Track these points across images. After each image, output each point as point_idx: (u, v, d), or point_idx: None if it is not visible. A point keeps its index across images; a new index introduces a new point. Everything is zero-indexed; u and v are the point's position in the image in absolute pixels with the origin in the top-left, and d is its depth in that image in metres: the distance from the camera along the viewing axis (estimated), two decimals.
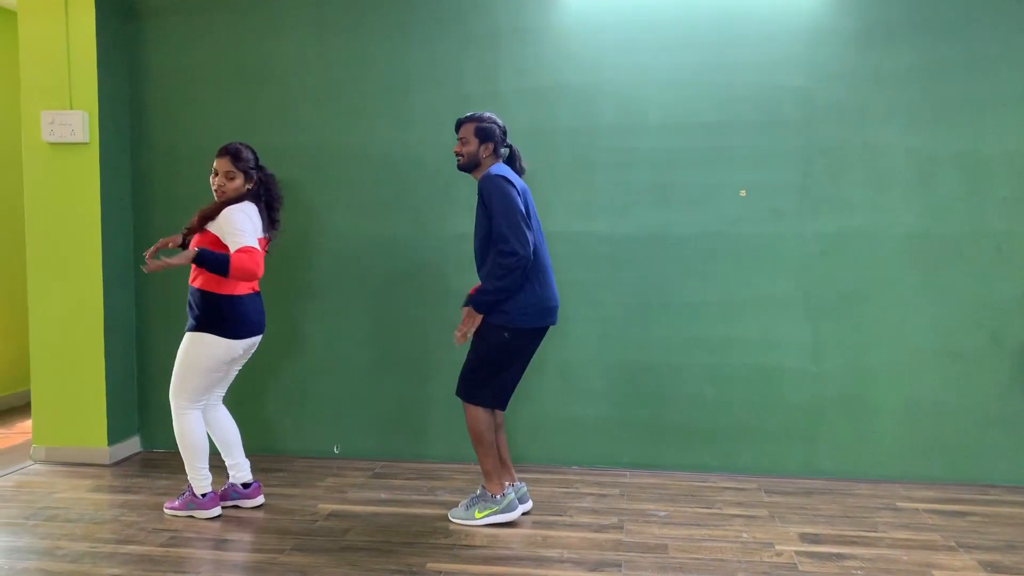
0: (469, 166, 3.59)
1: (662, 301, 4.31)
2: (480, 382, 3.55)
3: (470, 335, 3.54)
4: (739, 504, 3.84)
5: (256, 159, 3.66)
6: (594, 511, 3.77)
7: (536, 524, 3.61)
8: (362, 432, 4.58)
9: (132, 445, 4.69)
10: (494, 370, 3.56)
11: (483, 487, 3.62)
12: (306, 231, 4.52)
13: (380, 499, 3.92)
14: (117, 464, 4.49)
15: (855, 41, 4.11)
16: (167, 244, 3.73)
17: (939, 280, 4.12)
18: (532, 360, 4.41)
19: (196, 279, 3.58)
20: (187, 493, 3.70)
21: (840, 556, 3.26)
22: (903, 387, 4.17)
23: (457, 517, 3.61)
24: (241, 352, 3.65)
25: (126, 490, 4.06)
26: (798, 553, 3.29)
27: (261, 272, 3.44)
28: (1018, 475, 4.10)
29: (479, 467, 3.86)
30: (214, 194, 3.60)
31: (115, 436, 4.54)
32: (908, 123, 4.10)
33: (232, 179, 3.56)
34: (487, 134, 3.57)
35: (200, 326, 3.55)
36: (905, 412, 4.17)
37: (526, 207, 3.47)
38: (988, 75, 4.03)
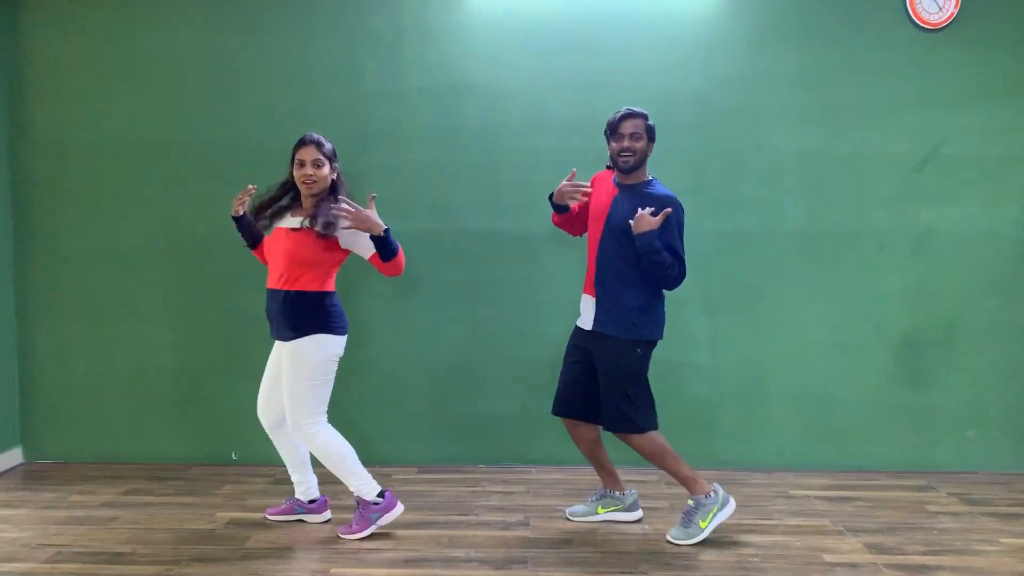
0: (638, 165, 3.36)
1: (566, 299, 4.35)
2: (638, 408, 3.37)
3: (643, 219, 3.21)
4: (641, 496, 3.91)
5: (334, 150, 3.43)
6: (501, 509, 3.78)
7: (442, 524, 3.59)
8: (261, 437, 4.44)
9: (13, 457, 4.43)
10: (641, 389, 3.41)
11: (692, 496, 3.42)
12: (200, 231, 4.37)
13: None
14: None
15: (748, 46, 4.26)
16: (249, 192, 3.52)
17: (827, 276, 4.31)
18: (440, 360, 4.41)
19: (296, 281, 3.31)
20: (362, 507, 3.43)
21: (737, 544, 3.37)
22: (795, 379, 4.34)
23: (681, 538, 3.36)
24: (343, 349, 3.44)
25: (6, 505, 3.84)
26: (697, 543, 3.38)
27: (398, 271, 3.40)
28: (900, 460, 4.34)
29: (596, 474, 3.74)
30: (302, 187, 3.35)
31: None
32: (797, 125, 4.27)
33: (321, 167, 3.33)
34: (653, 133, 3.39)
35: (308, 329, 3.32)
36: (796, 403, 4.35)
37: None
38: (871, 80, 4.24)
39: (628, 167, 3.36)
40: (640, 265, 3.30)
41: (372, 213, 3.25)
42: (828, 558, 3.24)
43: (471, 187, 4.33)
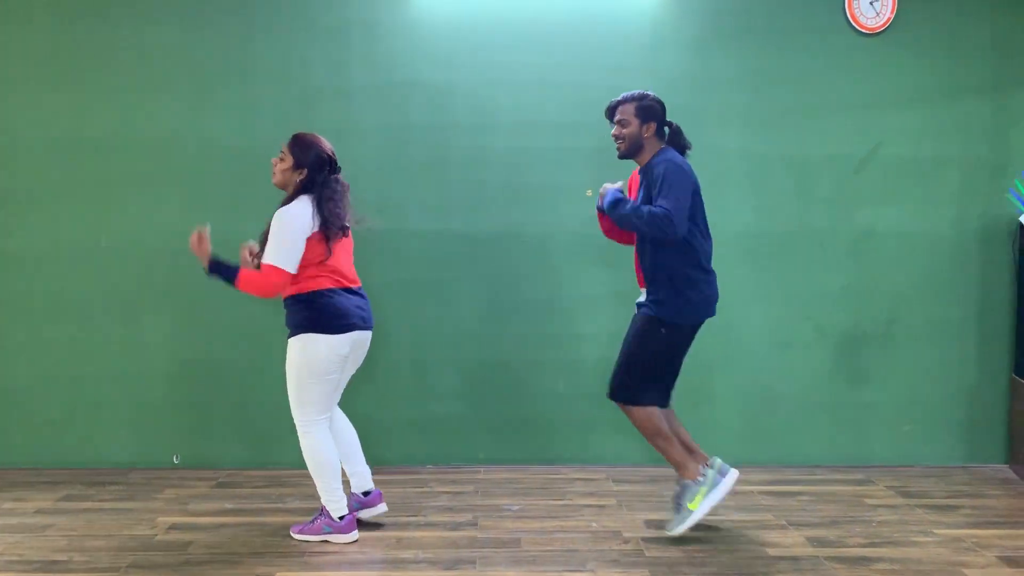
0: (632, 151, 3.35)
1: (516, 298, 4.37)
2: (642, 383, 3.37)
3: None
4: (589, 494, 3.94)
5: (322, 160, 3.31)
6: (449, 509, 3.77)
7: (390, 526, 3.56)
8: (204, 440, 4.36)
9: None
10: (655, 369, 3.39)
11: (680, 479, 3.41)
12: (140, 230, 4.26)
13: (225, 509, 3.76)
14: None
15: (692, 48, 4.31)
16: (247, 252, 3.44)
17: (770, 275, 4.39)
18: (385, 361, 4.37)
19: (288, 290, 3.31)
20: (321, 517, 3.39)
21: (683, 540, 3.41)
22: (739, 377, 4.41)
23: (675, 527, 3.35)
24: (348, 349, 3.34)
25: None
26: (644, 539, 3.42)
27: (272, 294, 3.23)
28: (839, 455, 4.44)
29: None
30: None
31: None
32: (741, 126, 4.34)
33: (281, 159, 3.31)
34: (649, 113, 3.33)
35: (301, 328, 3.28)
36: (740, 400, 4.42)
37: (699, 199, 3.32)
38: (812, 83, 4.33)
39: (620, 154, 3.41)
40: (673, 251, 3.30)
41: (201, 246, 3.25)
42: (771, 552, 3.30)
43: (418, 186, 4.31)
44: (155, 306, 4.31)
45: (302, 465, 4.29)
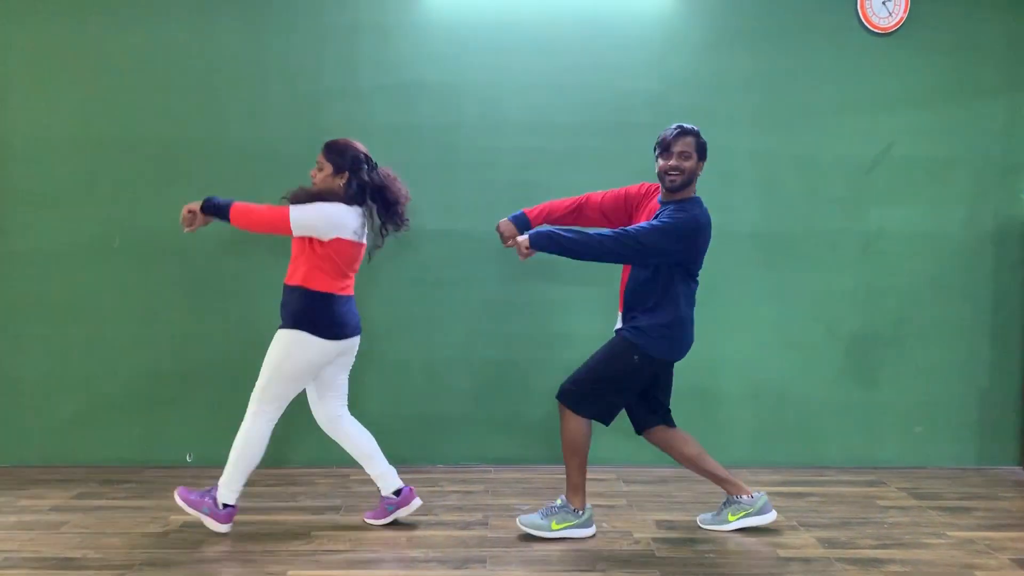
0: (685, 184, 3.28)
1: (526, 299, 4.38)
2: (591, 393, 3.35)
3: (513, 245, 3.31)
4: (599, 494, 3.94)
5: (356, 157, 3.37)
6: (459, 508, 3.78)
7: (401, 525, 3.57)
8: (217, 439, 4.38)
9: None
10: (609, 387, 3.36)
11: (564, 498, 3.43)
12: (154, 229, 4.29)
13: (238, 507, 3.77)
14: None
15: (702, 49, 4.31)
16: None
17: (781, 276, 4.38)
18: (396, 360, 4.39)
19: (293, 276, 3.37)
20: (209, 495, 3.41)
21: (694, 541, 3.41)
22: (749, 377, 4.41)
23: (529, 525, 3.40)
24: (335, 356, 3.41)
25: None
26: (655, 540, 3.42)
27: (268, 226, 3.28)
28: (849, 457, 4.43)
29: (566, 478, 3.57)
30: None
31: None
32: (751, 127, 4.34)
33: (320, 169, 3.37)
34: (705, 151, 3.31)
35: (295, 323, 3.31)
36: (751, 401, 4.42)
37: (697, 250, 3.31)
38: (823, 83, 4.32)
39: (675, 186, 3.30)
40: (659, 285, 3.31)
41: (191, 207, 3.35)
42: (782, 553, 3.30)
43: (427, 186, 4.31)
44: (169, 305, 4.34)
45: (313, 463, 4.34)
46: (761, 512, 3.49)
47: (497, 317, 4.36)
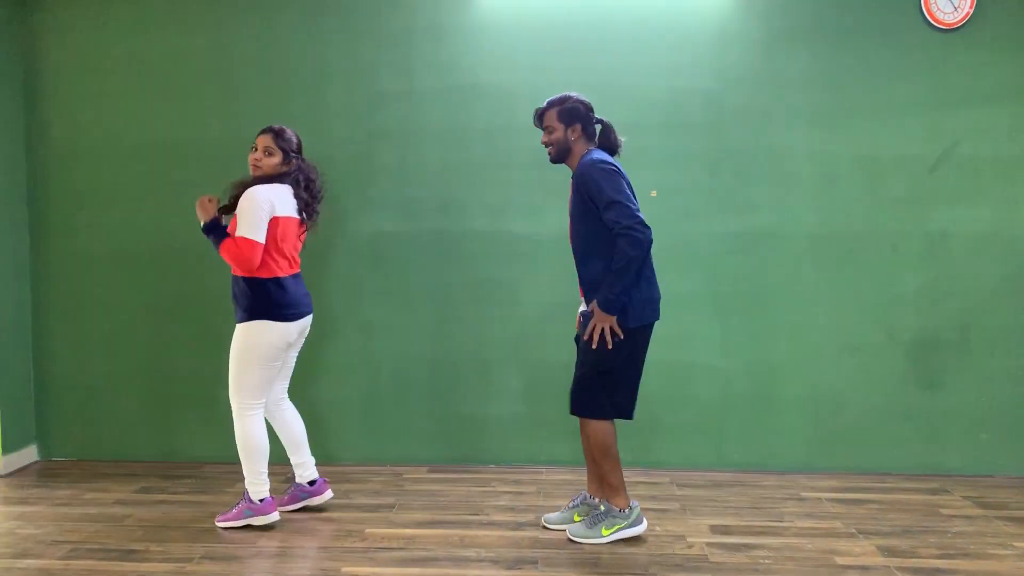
0: (561, 155, 3.36)
1: (577, 299, 4.35)
2: (597, 394, 3.33)
3: (604, 337, 3.24)
4: (652, 498, 3.91)
5: (299, 145, 3.56)
6: (511, 509, 3.78)
7: (453, 524, 3.60)
8: (273, 436, 4.46)
9: (29, 454, 4.47)
10: (608, 379, 3.33)
11: (607, 502, 3.41)
12: None
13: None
14: (12, 474, 4.28)
15: (760, 46, 4.25)
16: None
17: (839, 278, 4.29)
18: (448, 360, 4.41)
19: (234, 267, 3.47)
20: (244, 500, 3.54)
21: (749, 546, 3.36)
22: (806, 381, 4.33)
23: (579, 536, 3.38)
24: (296, 335, 3.53)
25: (22, 501, 3.87)
26: (709, 544, 3.38)
27: (252, 265, 3.36)
28: (911, 463, 4.31)
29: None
30: (251, 169, 3.50)
31: (10, 445, 4.32)
32: (809, 126, 4.25)
33: (270, 155, 3.47)
34: (572, 114, 3.32)
35: (251, 315, 3.43)
36: (808, 405, 4.33)
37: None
38: (885, 81, 4.22)
39: (552, 159, 3.42)
40: (603, 240, 3.26)
41: (208, 205, 3.42)
42: (840, 560, 3.23)
43: (480, 187, 4.34)
44: (225, 306, 4.43)
45: (368, 461, 4.39)
46: (635, 524, 3.42)
47: (549, 318, 4.35)
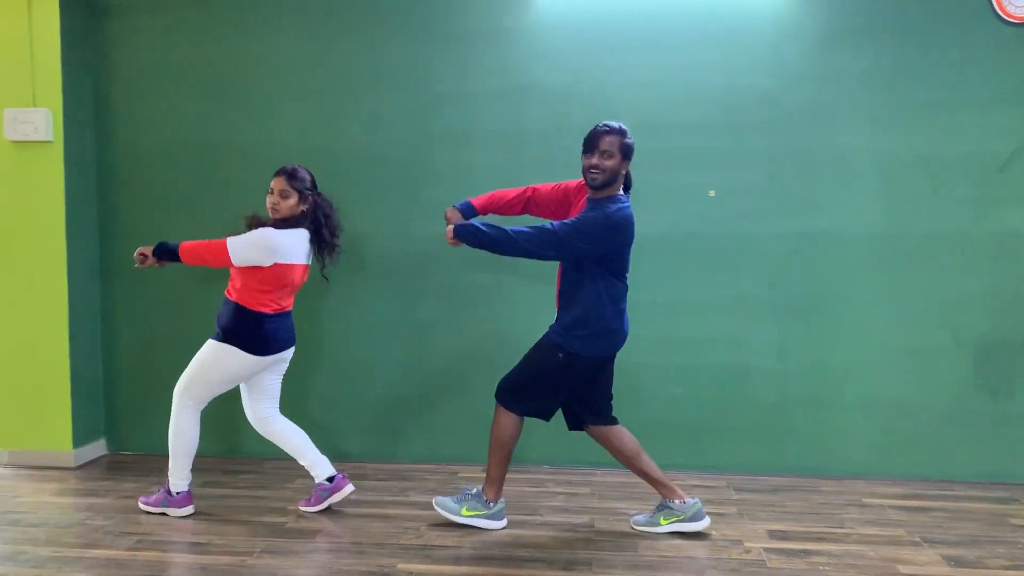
0: (608, 183, 3.29)
1: (632, 301, 4.31)
2: (522, 392, 3.45)
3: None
4: (708, 502, 3.87)
5: (312, 182, 3.65)
6: (565, 510, 3.78)
7: (507, 523, 3.61)
8: (333, 433, 4.55)
9: (98, 448, 4.62)
10: (539, 385, 3.44)
11: (481, 489, 3.56)
12: None
13: (350, 500, 3.89)
14: (82, 467, 4.43)
15: (820, 43, 4.17)
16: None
17: (902, 279, 4.19)
18: (504, 360, 4.41)
19: (231, 290, 3.60)
20: (162, 490, 3.71)
21: (808, 552, 3.30)
22: (867, 385, 4.23)
23: (442, 506, 3.55)
24: (263, 367, 3.67)
25: (91, 493, 4.01)
26: (766, 550, 3.33)
27: (214, 262, 3.49)
28: (978, 471, 4.19)
29: (487, 471, 3.70)
30: (269, 212, 3.60)
31: (80, 439, 4.47)
32: (871, 125, 4.16)
33: (287, 198, 3.56)
34: (629, 152, 3.32)
35: (225, 337, 3.56)
36: (869, 410, 4.24)
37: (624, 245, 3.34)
38: (951, 77, 4.10)
39: (596, 184, 3.31)
40: (582, 284, 3.34)
41: (141, 253, 3.58)
42: (903, 569, 3.15)
43: None
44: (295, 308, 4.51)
45: (425, 460, 4.44)
46: (693, 519, 3.46)
47: None
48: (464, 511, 3.52)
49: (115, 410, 4.66)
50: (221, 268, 3.58)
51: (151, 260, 3.59)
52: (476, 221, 3.41)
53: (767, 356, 4.28)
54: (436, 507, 3.57)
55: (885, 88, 4.14)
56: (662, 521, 3.49)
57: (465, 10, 4.34)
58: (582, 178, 3.42)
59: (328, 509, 3.75)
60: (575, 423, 3.61)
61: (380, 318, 4.46)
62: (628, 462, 3.54)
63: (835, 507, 3.82)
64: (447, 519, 3.53)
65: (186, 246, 3.54)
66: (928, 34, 4.11)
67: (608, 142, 3.27)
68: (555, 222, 3.29)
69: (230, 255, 3.47)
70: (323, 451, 4.48)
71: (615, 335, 3.42)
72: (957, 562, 3.21)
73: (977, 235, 4.14)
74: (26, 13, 4.25)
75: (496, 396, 3.52)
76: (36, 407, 4.41)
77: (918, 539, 3.45)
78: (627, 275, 3.44)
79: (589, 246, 3.25)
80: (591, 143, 3.31)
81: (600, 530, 3.54)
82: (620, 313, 3.42)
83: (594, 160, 3.28)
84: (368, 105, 4.41)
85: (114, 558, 3.23)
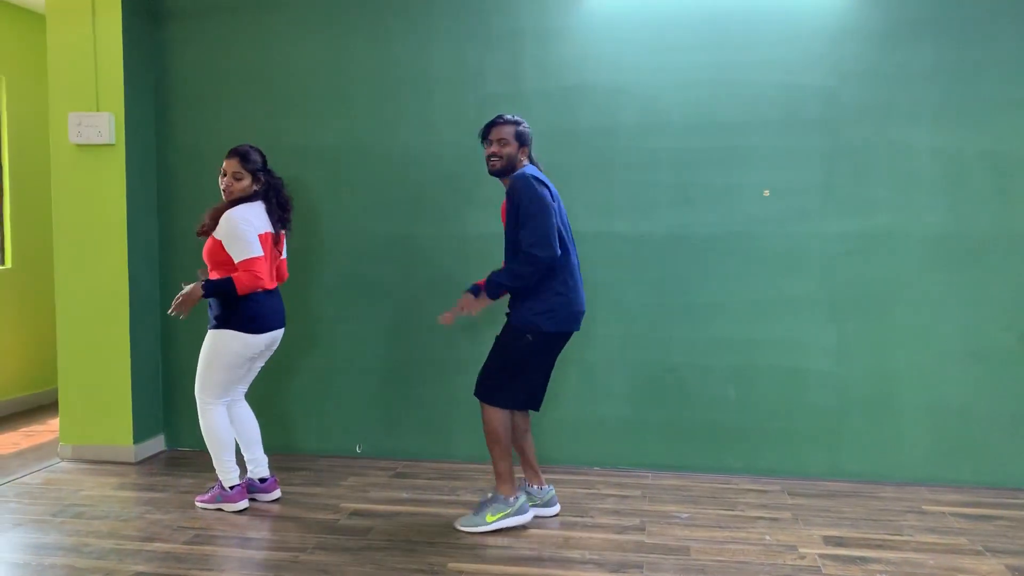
0: (507, 170, 3.50)
1: (684, 301, 4.29)
2: (500, 384, 3.52)
3: (458, 316, 3.51)
4: (762, 506, 3.81)
5: (264, 161, 3.76)
6: (616, 512, 3.76)
7: (559, 524, 3.60)
8: (384, 431, 4.59)
9: (157, 443, 4.73)
10: (515, 372, 3.52)
11: (495, 490, 3.57)
12: (328, 231, 4.55)
13: (402, 499, 3.93)
14: (142, 462, 4.54)
15: (879, 39, 4.07)
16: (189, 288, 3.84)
17: (965, 281, 4.07)
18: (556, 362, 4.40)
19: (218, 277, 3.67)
20: (216, 487, 3.79)
21: (864, 559, 3.23)
22: (928, 389, 4.12)
23: (466, 525, 3.51)
24: (263, 347, 3.75)
25: (151, 488, 4.11)
26: (822, 556, 3.27)
27: (266, 282, 3.62)
28: None
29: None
30: (222, 194, 3.72)
31: (140, 434, 4.59)
32: (933, 122, 4.05)
33: (239, 179, 3.67)
34: (525, 138, 3.54)
35: (220, 324, 3.67)
36: (930, 414, 4.13)
37: (558, 210, 3.46)
38: (1014, 74, 3.97)
39: (494, 171, 3.52)
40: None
41: (190, 293, 3.57)
42: None
43: (585, 188, 4.32)
44: (332, 303, 4.57)
45: (475, 459, 4.45)
46: (548, 505, 3.67)
47: (656, 320, 4.30)
48: (489, 518, 3.50)
49: (173, 407, 4.77)
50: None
51: (192, 303, 3.62)
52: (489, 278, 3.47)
53: (824, 359, 4.19)
54: (461, 529, 3.51)
55: (948, 84, 4.03)
56: (488, 518, 3.51)
57: (512, 11, 4.34)
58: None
59: (277, 501, 3.89)
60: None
61: (430, 317, 4.48)
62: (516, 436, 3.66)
63: (894, 514, 3.73)
64: (478, 533, 3.48)
65: (236, 280, 3.56)
66: (988, 30, 3.98)
67: (502, 131, 3.49)
68: (517, 261, 3.41)
69: (254, 257, 3.56)
70: (375, 450, 4.55)
71: (572, 306, 3.49)
72: (1021, 572, 3.11)
73: None
74: (90, 20, 4.38)
75: (476, 394, 3.57)
76: (99, 404, 4.54)
77: (980, 548, 3.34)
78: (570, 247, 3.51)
79: (548, 220, 3.35)
80: (485, 135, 3.54)
81: (651, 533, 3.51)
82: (572, 287, 3.49)
83: (492, 149, 3.50)
84: (418, 107, 4.44)
85: (172, 552, 3.31)
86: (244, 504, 3.77)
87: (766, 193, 4.18)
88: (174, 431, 4.79)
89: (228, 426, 3.78)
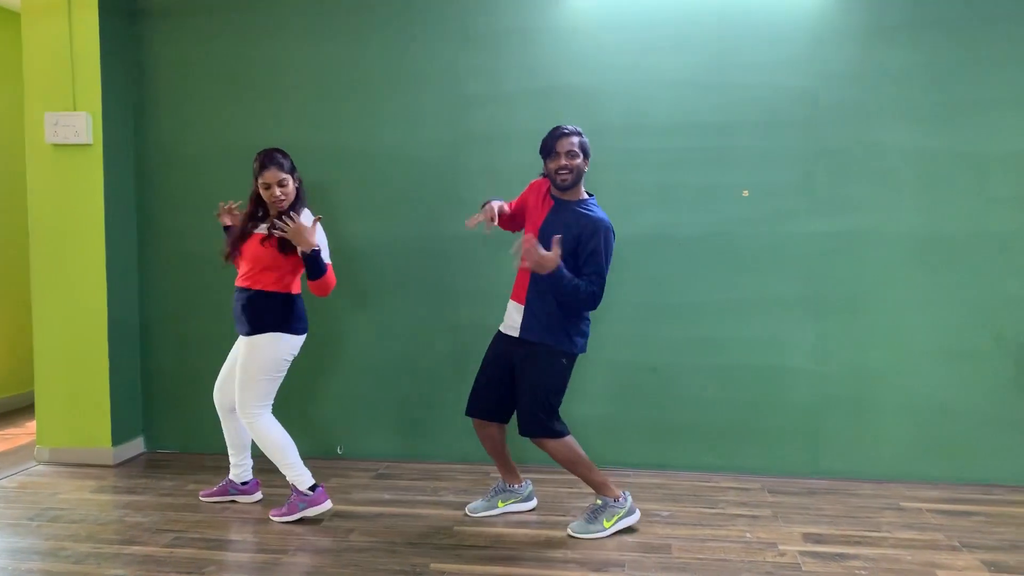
0: (575, 183, 3.42)
1: (665, 301, 4.31)
2: (549, 414, 3.44)
3: (532, 253, 3.20)
4: (742, 504, 3.84)
5: (286, 155, 3.68)
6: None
7: (540, 524, 3.61)
8: (366, 433, 4.58)
9: (136, 446, 4.69)
10: (559, 396, 3.49)
11: (601, 497, 3.52)
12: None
13: (384, 499, 3.92)
14: (121, 465, 4.50)
15: (858, 41, 4.11)
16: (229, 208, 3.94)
17: (942, 280, 4.12)
18: None
19: (258, 281, 3.60)
20: (293, 495, 3.66)
21: (843, 556, 3.26)
22: (906, 387, 4.17)
23: (582, 532, 3.46)
24: (297, 351, 3.74)
25: (130, 491, 4.07)
26: (802, 553, 3.29)
27: (325, 287, 3.60)
28: (1020, 475, 4.10)
29: (496, 469, 3.92)
30: (274, 206, 3.59)
31: (119, 437, 4.55)
32: (912, 123, 4.09)
33: (284, 185, 3.58)
34: (588, 149, 3.47)
35: (268, 327, 3.59)
36: (908, 412, 4.17)
37: None
38: (992, 75, 4.03)
39: (566, 185, 3.41)
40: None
41: (310, 231, 3.45)
42: (941, 574, 3.10)
43: None
44: (319, 303, 4.55)
45: (457, 459, 4.45)
46: (527, 500, 3.77)
47: (637, 320, 4.32)
48: (606, 523, 3.46)
49: (153, 409, 4.73)
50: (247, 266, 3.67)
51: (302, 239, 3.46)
52: (565, 274, 3.31)
53: (803, 357, 4.23)
54: (576, 535, 3.45)
55: (926, 86, 4.07)
56: (605, 523, 3.49)
57: (493, 10, 4.34)
58: (532, 182, 3.63)
59: (259, 503, 3.89)
60: (488, 413, 3.63)
61: (412, 318, 4.48)
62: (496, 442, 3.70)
63: (872, 511, 3.77)
64: (596, 539, 3.43)
65: (328, 274, 3.56)
66: (966, 31, 4.03)
67: (570, 143, 3.39)
68: (595, 266, 3.36)
69: (329, 266, 3.59)
70: (357, 451, 4.53)
71: (587, 329, 3.52)
72: (997, 567, 3.15)
73: (1020, 235, 4.06)
74: (66, 18, 4.34)
75: (527, 434, 3.46)
76: (76, 406, 4.49)
77: (957, 543, 3.39)
78: None
79: (607, 265, 3.40)
80: (551, 148, 3.41)
81: (633, 531, 3.52)
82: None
83: (562, 162, 3.38)
84: (399, 106, 4.43)
85: (152, 555, 3.28)
86: (329, 504, 3.67)
87: (745, 193, 4.21)
88: (154, 433, 4.75)
89: (282, 429, 3.68)
